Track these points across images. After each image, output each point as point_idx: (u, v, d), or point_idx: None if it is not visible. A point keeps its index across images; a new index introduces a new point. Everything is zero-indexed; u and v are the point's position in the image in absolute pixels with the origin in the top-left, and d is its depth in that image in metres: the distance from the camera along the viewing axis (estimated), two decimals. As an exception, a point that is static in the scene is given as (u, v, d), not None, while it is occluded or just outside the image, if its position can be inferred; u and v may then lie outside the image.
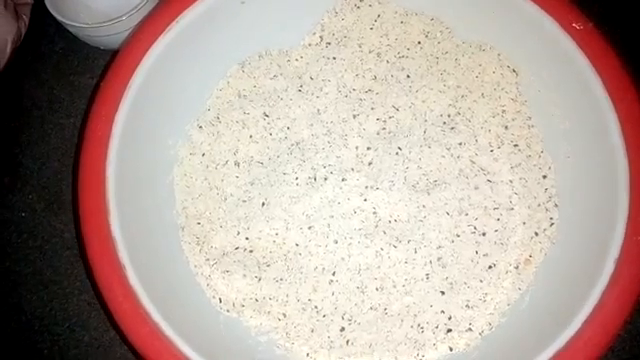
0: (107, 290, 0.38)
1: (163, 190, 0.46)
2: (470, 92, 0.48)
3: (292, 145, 0.48)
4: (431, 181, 0.45)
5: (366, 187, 0.45)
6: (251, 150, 0.48)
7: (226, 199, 0.46)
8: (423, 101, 0.48)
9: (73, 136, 0.54)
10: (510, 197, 0.45)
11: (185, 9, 0.45)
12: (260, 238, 0.45)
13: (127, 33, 0.51)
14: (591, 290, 0.36)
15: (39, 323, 0.48)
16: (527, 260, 0.43)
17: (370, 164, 0.46)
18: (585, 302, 0.36)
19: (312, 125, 0.48)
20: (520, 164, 0.46)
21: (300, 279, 0.43)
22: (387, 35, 0.50)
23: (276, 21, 0.49)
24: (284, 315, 0.43)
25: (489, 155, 0.46)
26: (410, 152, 0.46)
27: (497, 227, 0.44)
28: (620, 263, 0.37)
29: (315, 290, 0.43)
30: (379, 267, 0.43)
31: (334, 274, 0.43)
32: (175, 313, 0.38)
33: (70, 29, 0.52)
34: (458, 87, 0.48)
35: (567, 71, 0.43)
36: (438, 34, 0.50)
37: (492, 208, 0.45)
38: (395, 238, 0.44)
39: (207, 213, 0.46)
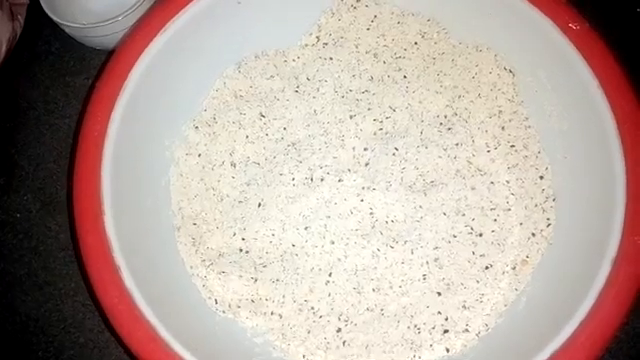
0: (102, 291, 0.38)
1: (159, 191, 0.45)
2: (467, 93, 0.48)
3: (288, 146, 0.47)
4: (428, 182, 0.45)
5: (363, 188, 0.45)
6: (247, 151, 0.48)
7: (222, 200, 0.46)
8: (420, 102, 0.48)
9: (68, 137, 0.53)
10: (507, 198, 0.45)
11: (181, 9, 0.44)
12: (256, 239, 0.45)
13: (123, 33, 0.51)
14: (588, 291, 0.36)
15: (34, 324, 0.48)
16: (524, 261, 0.43)
17: (367, 165, 0.46)
18: (582, 303, 0.36)
19: (309, 126, 0.48)
20: (517, 165, 0.45)
21: (296, 280, 0.43)
22: (384, 36, 0.50)
23: (273, 21, 0.49)
24: (280, 316, 0.43)
25: (486, 156, 0.46)
26: (407, 153, 0.46)
27: (494, 228, 0.44)
28: (617, 263, 0.36)
29: (311, 291, 0.43)
30: (376, 268, 0.43)
31: (330, 275, 0.43)
32: (170, 314, 0.38)
33: (66, 29, 0.52)
34: (455, 88, 0.48)
35: (564, 71, 0.43)
36: (435, 35, 0.49)
37: (489, 209, 0.44)
38: (392, 239, 0.43)
39: (203, 214, 0.46)
